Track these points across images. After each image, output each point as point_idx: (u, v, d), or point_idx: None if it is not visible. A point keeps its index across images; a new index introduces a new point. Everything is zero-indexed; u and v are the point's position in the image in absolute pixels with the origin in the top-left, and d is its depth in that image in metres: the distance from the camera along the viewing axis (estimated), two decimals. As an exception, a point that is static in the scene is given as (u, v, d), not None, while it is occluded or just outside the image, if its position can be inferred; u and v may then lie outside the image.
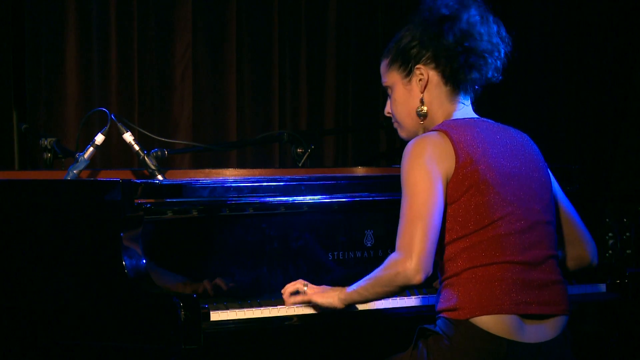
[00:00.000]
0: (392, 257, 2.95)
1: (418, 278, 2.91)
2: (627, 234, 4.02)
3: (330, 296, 3.15)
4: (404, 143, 5.49)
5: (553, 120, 5.39)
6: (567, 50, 5.41)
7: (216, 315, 3.10)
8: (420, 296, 3.40)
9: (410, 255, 2.90)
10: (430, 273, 2.92)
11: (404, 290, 3.00)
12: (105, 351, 3.11)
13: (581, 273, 3.28)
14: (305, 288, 3.20)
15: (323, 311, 3.19)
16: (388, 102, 3.22)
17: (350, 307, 3.17)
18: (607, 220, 4.09)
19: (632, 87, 5.33)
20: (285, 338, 3.41)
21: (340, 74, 5.25)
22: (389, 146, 5.37)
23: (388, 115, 3.23)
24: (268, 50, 5.04)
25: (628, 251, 4.02)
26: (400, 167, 3.04)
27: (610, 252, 3.93)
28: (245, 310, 3.16)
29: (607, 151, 5.36)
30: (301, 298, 3.19)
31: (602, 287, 3.76)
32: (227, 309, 3.15)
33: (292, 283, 3.23)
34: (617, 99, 5.37)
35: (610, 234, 4.12)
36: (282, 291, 3.23)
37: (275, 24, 5.05)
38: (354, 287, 3.08)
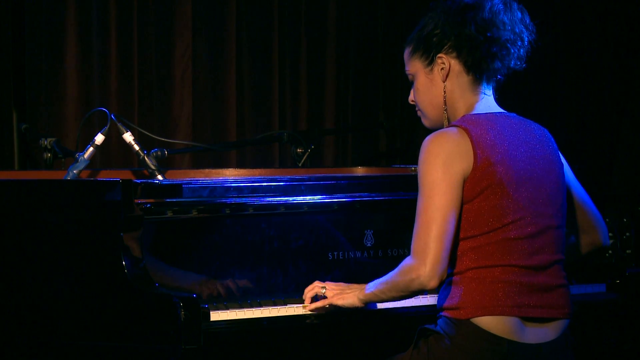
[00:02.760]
0: (406, 263, 2.95)
1: (432, 284, 2.91)
2: (627, 234, 4.01)
3: (350, 297, 3.15)
4: (404, 143, 5.49)
5: (553, 120, 5.39)
6: (567, 49, 5.41)
7: (216, 315, 3.10)
8: (420, 297, 3.40)
9: (425, 262, 2.90)
10: (444, 278, 2.93)
11: (418, 295, 3.00)
12: (105, 351, 3.11)
13: (594, 256, 3.28)
14: (324, 291, 3.21)
15: (321, 312, 3.20)
16: (412, 91, 3.19)
17: (351, 307, 3.20)
18: (607, 220, 4.08)
19: (632, 87, 5.33)
20: (285, 338, 3.41)
21: (340, 74, 5.25)
22: (389, 146, 5.37)
23: (412, 103, 3.21)
24: (268, 50, 5.04)
25: (628, 251, 4.02)
26: (400, 167, 3.04)
27: (610, 252, 3.92)
28: (245, 310, 3.16)
29: (607, 151, 5.36)
30: (322, 303, 3.20)
31: (602, 287, 3.77)
32: (227, 309, 3.15)
33: (310, 287, 3.24)
34: (617, 98, 5.37)
35: (610, 234, 4.11)
36: (304, 297, 3.24)
37: (275, 24, 5.05)
38: (372, 288, 3.08)
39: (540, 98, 5.40)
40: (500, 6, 3.09)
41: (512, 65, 3.11)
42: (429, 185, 2.93)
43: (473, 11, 3.07)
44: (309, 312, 3.22)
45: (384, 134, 5.36)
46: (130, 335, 3.04)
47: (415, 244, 2.92)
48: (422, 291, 2.95)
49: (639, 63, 5.31)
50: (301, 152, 4.29)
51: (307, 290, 3.25)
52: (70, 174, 3.68)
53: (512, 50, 3.09)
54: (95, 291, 3.11)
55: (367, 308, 3.23)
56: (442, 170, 2.93)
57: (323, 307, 3.20)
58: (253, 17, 5.01)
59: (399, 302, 3.31)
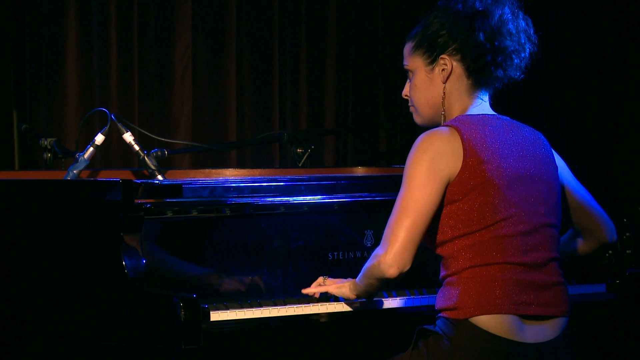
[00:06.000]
0: (375, 249, 2.99)
1: (391, 272, 2.93)
2: (627, 234, 4.01)
3: (343, 286, 3.22)
4: (404, 143, 5.50)
5: (553, 120, 5.39)
6: (567, 49, 5.41)
7: (216, 315, 3.10)
8: (420, 297, 3.41)
9: (387, 249, 2.94)
10: (405, 270, 2.94)
11: (383, 283, 3.01)
12: (106, 351, 3.11)
13: (601, 252, 3.29)
14: (324, 281, 3.29)
15: (320, 313, 3.22)
16: (407, 85, 3.19)
17: (350, 306, 3.24)
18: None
19: (632, 87, 5.33)
20: (285, 338, 3.41)
21: (340, 74, 5.25)
22: (389, 146, 5.37)
23: (405, 97, 3.21)
24: (268, 50, 5.04)
25: (628, 251, 4.02)
26: (401, 167, 3.04)
27: (610, 252, 3.92)
28: (245, 310, 3.16)
29: (607, 151, 5.36)
30: (319, 289, 3.27)
31: (602, 287, 3.77)
32: (227, 309, 3.15)
33: (315, 282, 3.31)
34: (617, 99, 5.37)
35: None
36: (309, 290, 3.30)
37: (275, 24, 5.05)
38: (357, 278, 3.14)
39: (541, 98, 5.40)
40: (509, 16, 3.10)
41: (512, 75, 3.12)
42: (411, 177, 2.96)
43: (482, 18, 3.07)
44: (309, 313, 3.22)
45: (384, 134, 5.36)
46: (130, 335, 3.04)
47: (385, 231, 2.96)
48: (383, 279, 2.96)
49: (639, 63, 5.31)
50: (301, 152, 4.29)
51: (313, 285, 3.31)
52: (70, 174, 3.68)
53: (516, 61, 3.10)
54: (95, 291, 3.11)
55: (367, 307, 3.24)
56: (426, 165, 2.94)
57: (321, 294, 3.27)
58: (253, 17, 5.01)
59: (399, 302, 3.31)
